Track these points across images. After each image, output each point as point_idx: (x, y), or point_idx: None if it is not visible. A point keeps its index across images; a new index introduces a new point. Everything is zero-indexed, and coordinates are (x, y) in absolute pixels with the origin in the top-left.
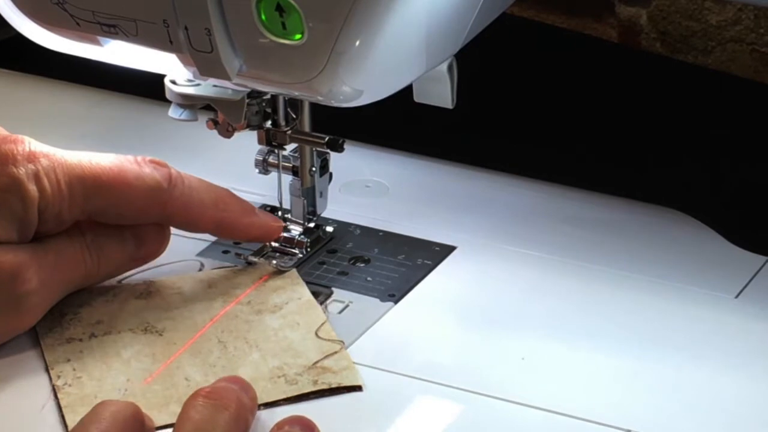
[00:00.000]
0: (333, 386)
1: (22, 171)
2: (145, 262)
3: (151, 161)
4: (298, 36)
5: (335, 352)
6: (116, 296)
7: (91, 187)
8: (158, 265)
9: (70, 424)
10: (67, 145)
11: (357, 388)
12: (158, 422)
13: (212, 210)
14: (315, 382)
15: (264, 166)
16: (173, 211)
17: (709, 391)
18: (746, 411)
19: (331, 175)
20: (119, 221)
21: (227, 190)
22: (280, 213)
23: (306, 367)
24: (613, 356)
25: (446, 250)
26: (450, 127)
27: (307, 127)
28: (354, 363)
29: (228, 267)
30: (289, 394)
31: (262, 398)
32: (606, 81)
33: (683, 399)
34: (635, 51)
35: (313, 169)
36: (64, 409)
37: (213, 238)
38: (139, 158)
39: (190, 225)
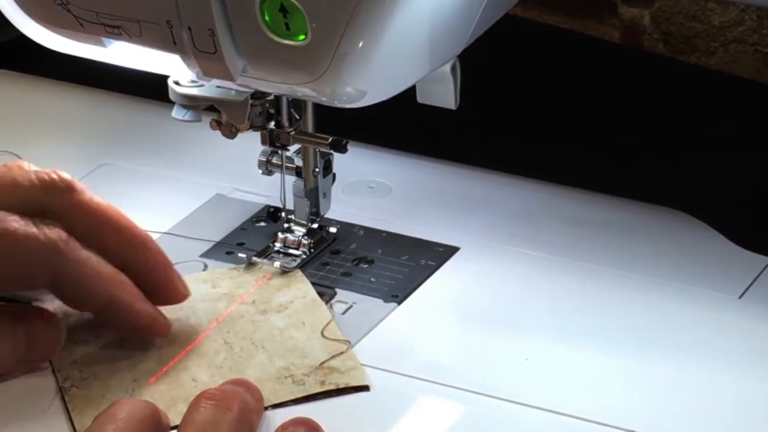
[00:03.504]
0: (340, 386)
1: None
2: (36, 364)
3: (46, 224)
4: (301, 37)
5: (342, 352)
6: None
7: None
8: None
9: (78, 426)
10: (71, 146)
11: (364, 388)
12: None
13: (108, 285)
14: (322, 383)
15: (267, 167)
16: (66, 277)
17: (712, 392)
18: (749, 412)
19: (334, 175)
20: (8, 286)
21: (122, 273)
22: (283, 214)
23: (313, 367)
24: (615, 357)
25: (449, 251)
26: (453, 128)
27: (310, 128)
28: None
29: (232, 267)
30: (297, 395)
31: (270, 399)
32: (608, 82)
33: (686, 399)
34: (638, 52)
35: (317, 169)
36: (71, 412)
37: (217, 239)
38: (34, 220)
39: (81, 298)
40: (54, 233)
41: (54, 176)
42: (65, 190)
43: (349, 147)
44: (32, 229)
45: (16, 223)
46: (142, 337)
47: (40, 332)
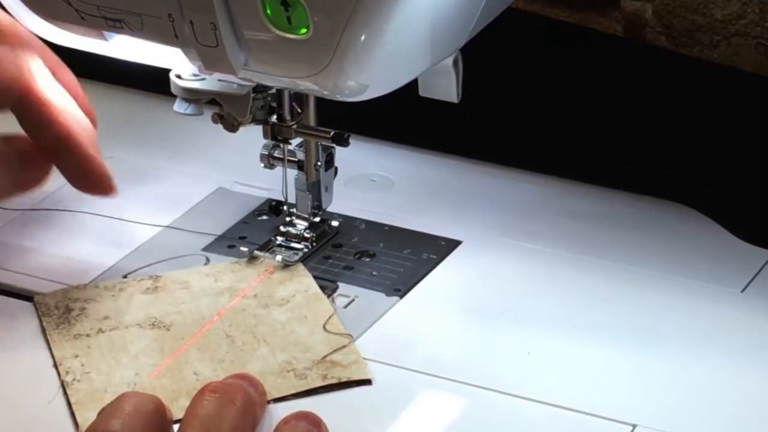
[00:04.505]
0: (342, 380)
1: None
2: (30, 188)
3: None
4: (303, 30)
5: (344, 346)
6: (123, 291)
7: None
8: (164, 259)
9: (80, 420)
10: None
11: (366, 382)
12: None
13: (69, 121)
14: (324, 377)
15: (269, 161)
16: (32, 100)
17: (715, 386)
18: (752, 405)
19: (336, 169)
20: None
21: (88, 121)
22: (285, 208)
23: (315, 361)
24: (618, 351)
25: (452, 245)
26: (455, 122)
27: (312, 122)
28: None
29: (234, 261)
30: (299, 389)
31: (272, 393)
32: (611, 75)
33: (688, 394)
34: (640, 45)
35: (319, 163)
36: (73, 406)
37: (218, 233)
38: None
39: (40, 125)
40: (25, 56)
41: None
42: None
43: (351, 141)
44: (3, 50)
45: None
46: (86, 190)
47: (31, 157)
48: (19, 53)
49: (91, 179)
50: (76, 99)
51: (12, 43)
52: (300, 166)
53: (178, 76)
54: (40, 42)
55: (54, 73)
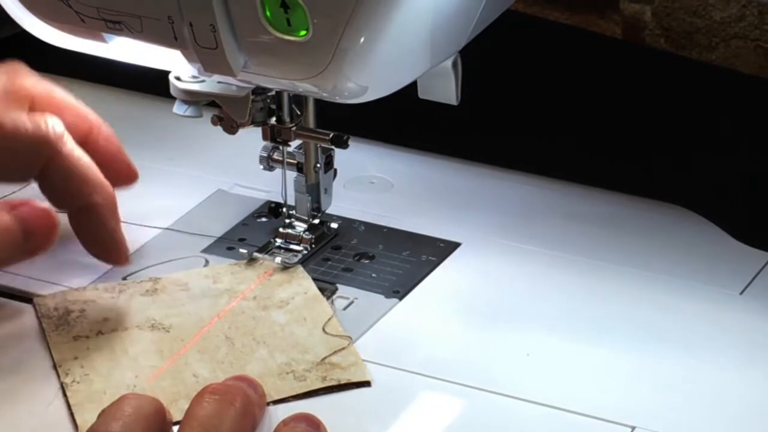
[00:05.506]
0: (342, 382)
1: None
2: (35, 254)
3: (42, 117)
4: (302, 32)
5: (343, 348)
6: (122, 293)
7: None
8: (163, 261)
9: (80, 422)
10: None
11: (365, 384)
12: None
13: (92, 191)
14: (323, 379)
15: (268, 163)
16: (55, 170)
17: (714, 388)
18: (750, 407)
19: (335, 171)
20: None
21: (110, 187)
22: (284, 210)
23: (314, 363)
24: (617, 353)
25: (451, 247)
26: (454, 124)
27: (311, 124)
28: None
29: (233, 263)
30: (298, 391)
31: (271, 395)
32: (610, 77)
33: (688, 395)
34: (639, 47)
35: (318, 165)
36: (73, 407)
37: (218, 234)
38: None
39: (64, 194)
40: (47, 127)
41: None
42: None
43: (350, 142)
44: (23, 122)
45: (6, 117)
46: (99, 257)
47: (36, 221)
48: (47, 120)
49: (106, 251)
50: (113, 157)
51: (43, 109)
52: (299, 168)
53: (178, 78)
54: (74, 103)
55: (90, 133)
